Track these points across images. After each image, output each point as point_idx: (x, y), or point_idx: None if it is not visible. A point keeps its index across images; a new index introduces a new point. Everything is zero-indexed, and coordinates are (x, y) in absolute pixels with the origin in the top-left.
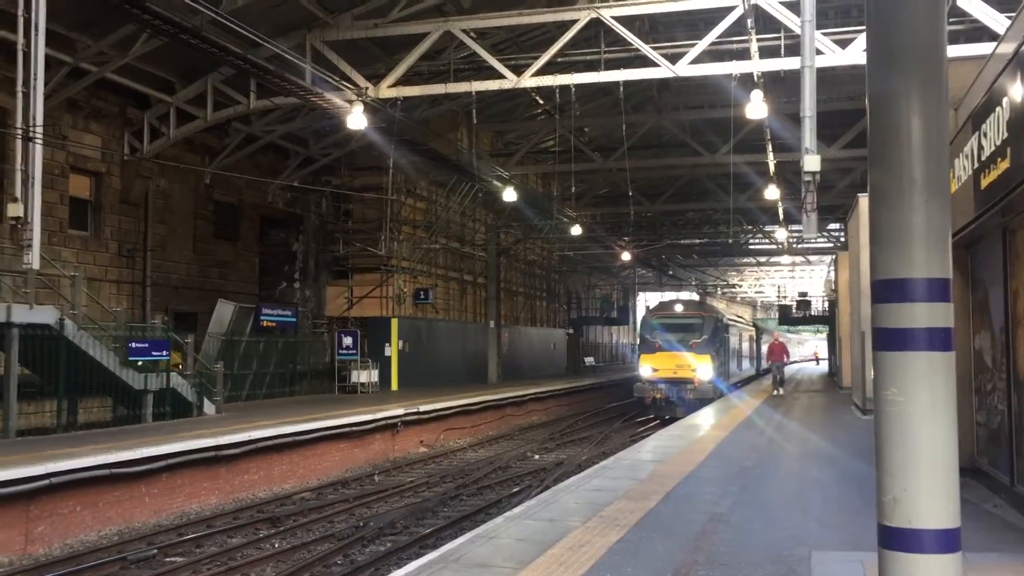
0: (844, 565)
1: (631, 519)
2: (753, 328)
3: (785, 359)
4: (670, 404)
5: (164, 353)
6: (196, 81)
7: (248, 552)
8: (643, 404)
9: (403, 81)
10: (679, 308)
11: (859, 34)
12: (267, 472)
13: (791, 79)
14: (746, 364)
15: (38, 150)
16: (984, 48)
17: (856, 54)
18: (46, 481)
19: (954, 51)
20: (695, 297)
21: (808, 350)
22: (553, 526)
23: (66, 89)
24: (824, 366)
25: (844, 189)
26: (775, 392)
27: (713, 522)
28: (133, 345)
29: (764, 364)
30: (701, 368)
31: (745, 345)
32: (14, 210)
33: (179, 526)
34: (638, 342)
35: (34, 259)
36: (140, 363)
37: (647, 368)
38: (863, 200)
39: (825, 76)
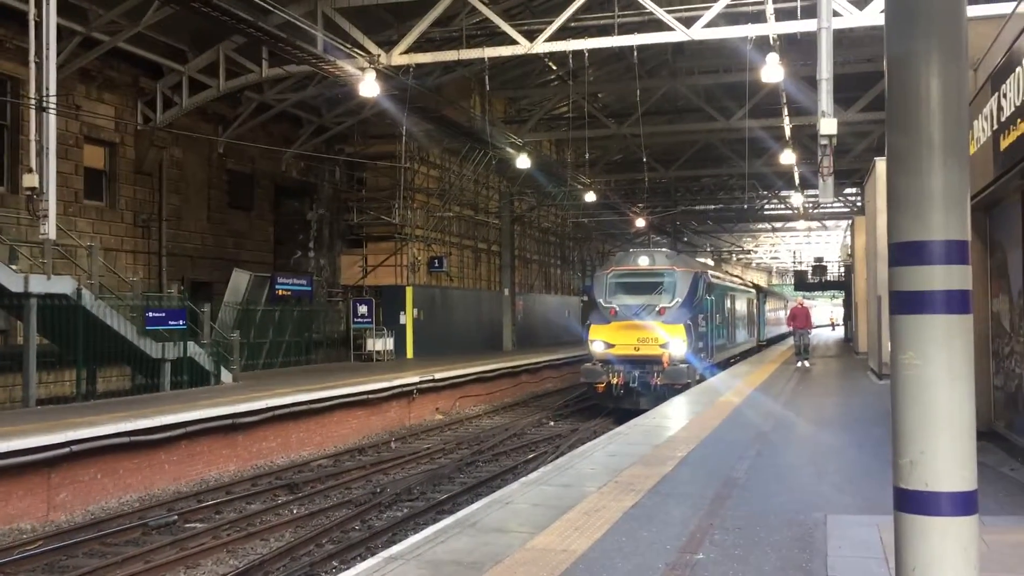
0: (860, 529)
1: (646, 484)
2: (753, 290)
3: (810, 326)
4: (631, 392)
5: (181, 322)
6: (208, 50)
7: (267, 518)
8: (595, 393)
9: (415, 48)
10: (644, 261)
11: None
12: (284, 439)
13: (808, 41)
14: (743, 335)
15: (52, 120)
16: (1004, 7)
17: (874, 15)
18: (67, 449)
19: (973, 11)
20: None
21: (817, 316)
22: (569, 491)
23: (79, 59)
24: (840, 331)
25: (861, 153)
26: (799, 364)
27: (728, 486)
28: (150, 314)
29: (766, 333)
30: (673, 343)
31: (741, 310)
32: (29, 180)
33: (198, 493)
34: (590, 307)
35: (50, 229)
36: (156, 332)
37: (599, 343)
38: (880, 163)
39: (842, 38)
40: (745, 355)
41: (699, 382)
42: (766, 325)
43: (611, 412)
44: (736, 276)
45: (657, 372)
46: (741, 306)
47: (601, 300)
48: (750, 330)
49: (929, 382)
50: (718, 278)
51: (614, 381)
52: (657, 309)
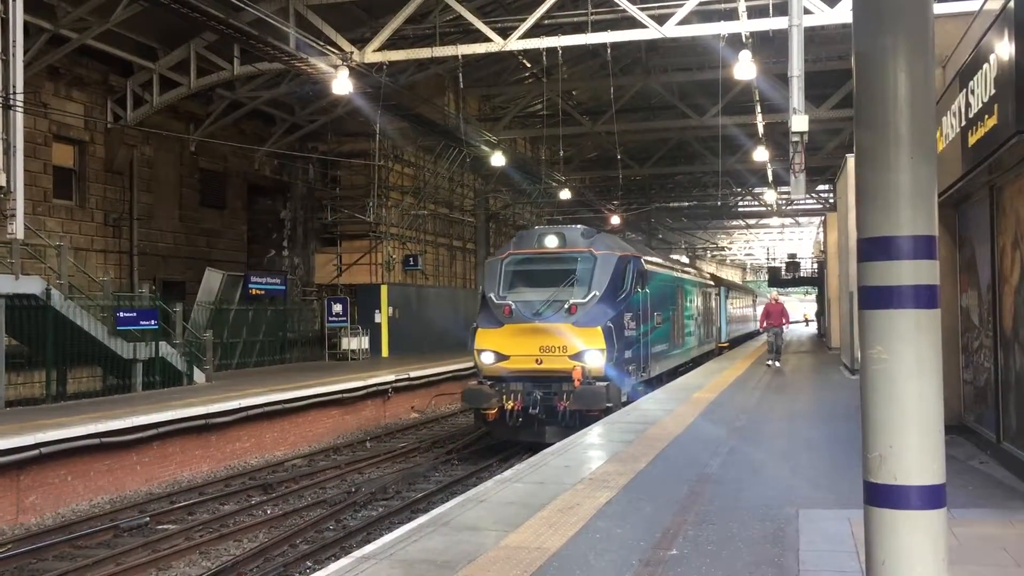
0: (832, 523)
1: (620, 481)
2: (712, 282)
3: (785, 323)
4: (531, 422)
5: (152, 322)
6: (179, 47)
7: (240, 519)
8: (484, 422)
9: (388, 45)
10: (551, 241)
11: None
12: (258, 439)
13: (780, 39)
14: (695, 338)
15: (19, 118)
16: (971, 5)
17: (844, 12)
18: (36, 451)
19: (941, 8)
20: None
21: (790, 311)
22: (543, 488)
23: (47, 56)
24: (813, 327)
25: (833, 150)
26: (770, 363)
27: (702, 482)
28: (121, 315)
29: (729, 333)
30: (589, 353)
31: (694, 307)
32: None
33: (171, 494)
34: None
35: (18, 229)
36: (128, 332)
37: (488, 354)
38: (851, 160)
39: (814, 35)
40: (699, 362)
41: (625, 404)
42: (728, 324)
43: (507, 447)
44: (691, 267)
45: (566, 393)
46: (694, 302)
47: (492, 295)
48: (707, 331)
49: (897, 376)
50: (658, 265)
51: (509, 406)
52: (567, 307)
